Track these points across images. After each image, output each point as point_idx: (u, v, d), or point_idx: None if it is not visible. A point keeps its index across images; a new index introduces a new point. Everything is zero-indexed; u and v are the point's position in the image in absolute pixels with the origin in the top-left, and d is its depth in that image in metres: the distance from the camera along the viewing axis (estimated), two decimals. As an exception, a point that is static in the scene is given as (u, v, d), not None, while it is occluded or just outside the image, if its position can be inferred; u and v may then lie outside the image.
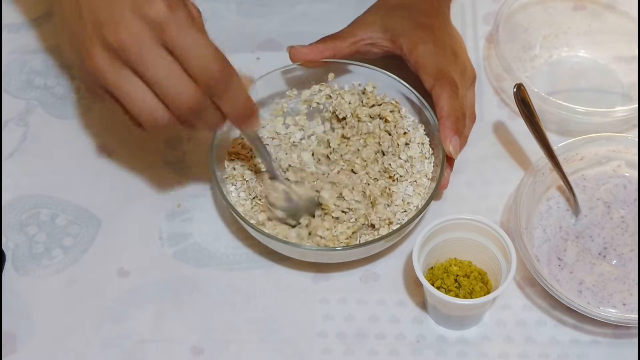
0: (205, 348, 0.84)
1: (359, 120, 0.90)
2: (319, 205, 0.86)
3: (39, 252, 0.89)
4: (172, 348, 0.84)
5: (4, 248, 0.89)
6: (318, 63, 0.92)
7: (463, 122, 0.87)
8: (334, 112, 0.91)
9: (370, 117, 0.90)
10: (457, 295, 0.82)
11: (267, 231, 0.84)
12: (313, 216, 0.86)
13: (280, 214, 0.85)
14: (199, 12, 0.75)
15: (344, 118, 0.91)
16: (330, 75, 0.92)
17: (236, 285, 0.87)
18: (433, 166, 0.88)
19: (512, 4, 0.98)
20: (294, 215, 0.86)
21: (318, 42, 0.92)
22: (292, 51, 0.91)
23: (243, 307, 0.86)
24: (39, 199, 0.92)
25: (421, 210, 0.83)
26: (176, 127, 0.75)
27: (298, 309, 0.86)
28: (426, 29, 0.90)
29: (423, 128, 0.90)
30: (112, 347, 0.84)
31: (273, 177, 0.86)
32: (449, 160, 0.87)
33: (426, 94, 0.88)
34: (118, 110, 0.75)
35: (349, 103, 0.91)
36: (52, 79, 1.00)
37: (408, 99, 0.91)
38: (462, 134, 0.86)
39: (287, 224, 0.86)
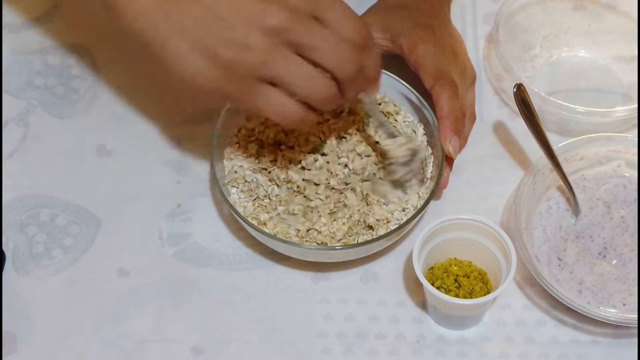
0: (205, 348, 0.84)
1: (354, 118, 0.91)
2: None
3: (39, 252, 0.89)
4: (172, 348, 0.84)
5: (4, 248, 0.88)
6: None
7: (463, 122, 0.87)
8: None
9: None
10: (457, 295, 0.82)
11: (267, 230, 0.84)
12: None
13: (402, 171, 0.86)
14: None
15: (341, 112, 0.91)
16: None
17: (236, 285, 0.87)
18: (432, 166, 0.88)
19: (512, 4, 0.98)
20: (412, 171, 0.86)
21: None
22: None
23: (243, 307, 0.86)
24: (39, 199, 0.92)
25: (420, 210, 0.83)
26: (339, 101, 0.77)
27: (298, 309, 0.86)
28: (426, 29, 0.90)
29: (422, 127, 0.90)
30: (112, 347, 0.84)
31: (392, 136, 0.86)
32: (448, 160, 0.87)
33: (426, 94, 0.88)
34: (276, 108, 0.75)
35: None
36: (52, 79, 1.00)
37: (407, 98, 0.91)
38: (461, 134, 0.86)
39: (400, 185, 0.87)
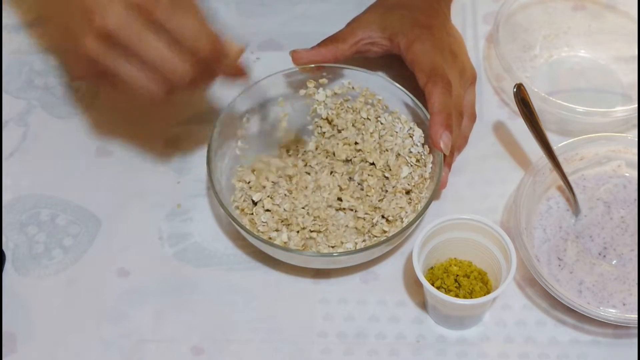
0: (205, 348, 0.84)
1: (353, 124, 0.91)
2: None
3: (39, 252, 0.89)
4: (172, 348, 0.84)
5: (4, 248, 0.89)
6: (319, 66, 0.92)
7: (456, 119, 0.86)
8: (326, 118, 0.92)
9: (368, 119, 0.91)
10: (457, 295, 0.82)
11: (264, 237, 0.84)
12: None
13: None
14: None
15: (328, 122, 0.92)
16: (323, 80, 0.92)
17: (236, 285, 0.87)
18: (432, 166, 0.88)
19: (512, 4, 0.98)
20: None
21: (320, 45, 0.92)
22: (295, 55, 0.92)
23: (243, 307, 0.86)
24: (39, 199, 0.92)
25: (422, 212, 0.83)
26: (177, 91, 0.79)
27: (298, 309, 0.86)
28: (424, 28, 0.90)
29: (416, 125, 0.90)
30: (112, 347, 0.84)
31: None
32: (446, 160, 0.87)
33: (423, 95, 0.88)
34: (129, 79, 0.78)
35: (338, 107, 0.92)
36: (52, 79, 1.00)
37: (403, 102, 0.90)
38: (453, 131, 0.86)
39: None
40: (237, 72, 0.83)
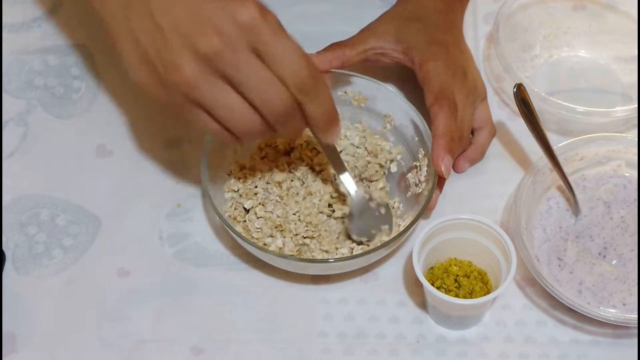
0: (205, 348, 0.84)
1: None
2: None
3: (39, 252, 0.89)
4: (172, 348, 0.84)
5: (4, 248, 0.89)
6: (324, 71, 0.90)
7: (458, 143, 0.86)
8: None
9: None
10: (457, 295, 0.82)
11: (259, 244, 0.84)
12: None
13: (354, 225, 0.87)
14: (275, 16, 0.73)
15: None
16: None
17: (236, 285, 0.87)
18: (425, 180, 0.87)
19: (512, 4, 0.98)
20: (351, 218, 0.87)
21: (326, 49, 0.91)
22: None
23: (243, 307, 0.86)
24: (39, 199, 0.92)
25: (409, 227, 0.82)
26: (267, 136, 0.75)
27: (298, 309, 0.86)
28: (440, 46, 0.89)
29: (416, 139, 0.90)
30: (112, 347, 0.84)
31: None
32: (440, 181, 0.86)
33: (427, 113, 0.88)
34: (204, 127, 0.74)
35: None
36: (52, 79, 1.00)
37: (409, 117, 0.90)
38: (454, 154, 0.86)
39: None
40: (332, 115, 0.76)
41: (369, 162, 0.90)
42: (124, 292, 0.87)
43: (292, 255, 0.84)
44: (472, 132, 0.91)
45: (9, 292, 0.86)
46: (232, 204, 0.87)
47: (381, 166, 0.90)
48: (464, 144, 0.88)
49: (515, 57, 0.99)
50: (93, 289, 0.87)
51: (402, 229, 0.84)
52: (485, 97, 0.92)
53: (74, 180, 0.93)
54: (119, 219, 0.91)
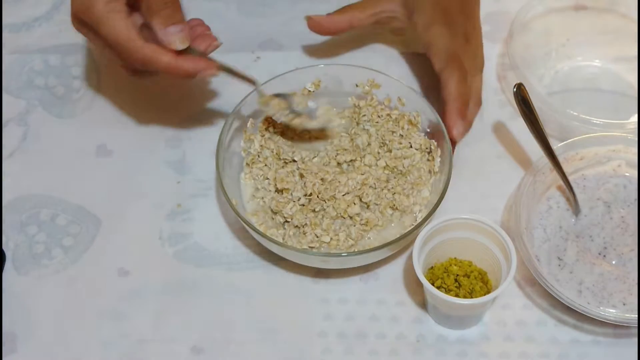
0: (205, 348, 0.84)
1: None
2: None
3: (39, 252, 0.89)
4: (172, 348, 0.84)
5: (4, 248, 0.89)
6: (334, 33, 0.93)
7: (473, 108, 0.87)
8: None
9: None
10: (457, 295, 0.82)
11: (271, 235, 0.84)
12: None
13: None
14: None
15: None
16: (316, 81, 0.92)
17: (236, 285, 0.87)
18: (439, 160, 0.88)
19: (527, 12, 0.97)
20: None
21: (337, 11, 0.93)
22: (310, 22, 0.93)
23: (243, 307, 0.86)
24: (39, 199, 0.92)
25: (425, 218, 0.83)
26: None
27: (298, 309, 0.86)
28: (444, 11, 0.90)
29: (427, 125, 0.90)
30: (112, 347, 0.84)
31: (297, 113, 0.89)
32: (452, 146, 0.87)
33: (430, 88, 0.87)
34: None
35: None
36: (52, 79, 1.00)
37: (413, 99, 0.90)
38: (467, 119, 0.86)
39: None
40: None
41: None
42: (124, 292, 0.87)
43: (302, 249, 0.84)
44: None
45: (9, 292, 0.86)
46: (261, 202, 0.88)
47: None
48: (471, 106, 0.89)
49: (530, 63, 0.97)
50: (93, 289, 0.87)
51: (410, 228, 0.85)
52: (481, 69, 0.92)
53: (74, 180, 0.93)
54: (119, 219, 0.91)
